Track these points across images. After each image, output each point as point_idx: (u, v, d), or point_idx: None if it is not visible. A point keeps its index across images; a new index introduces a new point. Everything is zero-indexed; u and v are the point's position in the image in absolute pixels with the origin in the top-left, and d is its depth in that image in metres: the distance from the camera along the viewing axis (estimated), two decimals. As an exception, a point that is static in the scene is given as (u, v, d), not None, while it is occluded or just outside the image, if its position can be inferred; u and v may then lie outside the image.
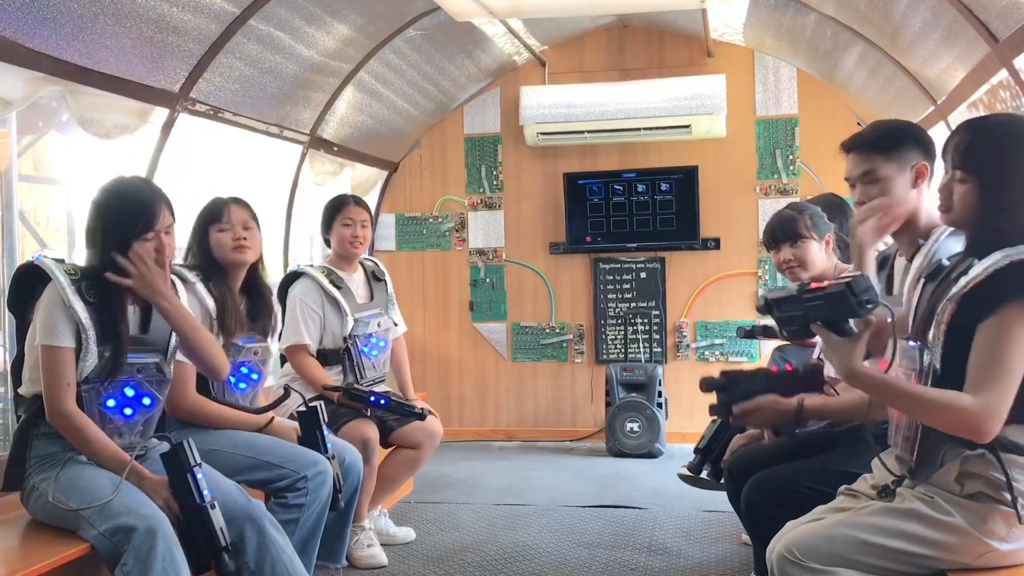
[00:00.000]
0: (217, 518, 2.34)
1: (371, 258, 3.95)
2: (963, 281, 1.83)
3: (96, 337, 2.32)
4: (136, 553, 2.14)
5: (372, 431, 3.44)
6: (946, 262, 1.98)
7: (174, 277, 2.64)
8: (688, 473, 3.17)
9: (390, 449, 3.72)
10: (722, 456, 3.07)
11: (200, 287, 2.87)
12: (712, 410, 2.59)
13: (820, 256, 3.04)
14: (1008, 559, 1.85)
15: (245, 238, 2.93)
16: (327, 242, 3.77)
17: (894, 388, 1.87)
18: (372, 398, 3.40)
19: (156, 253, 2.39)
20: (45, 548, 2.19)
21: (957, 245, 2.04)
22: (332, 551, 3.04)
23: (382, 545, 3.60)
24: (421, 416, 3.51)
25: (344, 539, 3.06)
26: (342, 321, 3.56)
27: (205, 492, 2.34)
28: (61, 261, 2.39)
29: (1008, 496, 1.80)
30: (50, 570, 2.13)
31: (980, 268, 1.81)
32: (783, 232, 3.07)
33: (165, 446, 2.56)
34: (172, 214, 2.47)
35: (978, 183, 1.87)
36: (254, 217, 3.02)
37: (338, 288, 3.58)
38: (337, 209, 3.70)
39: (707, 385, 2.59)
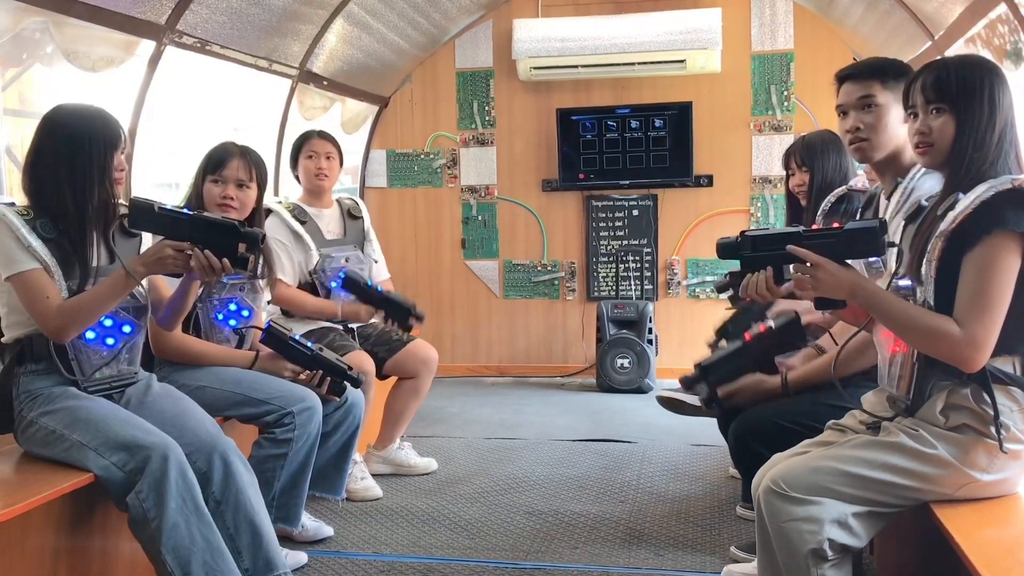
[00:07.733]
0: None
1: (352, 197, 3.95)
2: (951, 216, 1.83)
3: (61, 273, 2.30)
4: (151, 480, 2.18)
5: (369, 364, 3.48)
6: (924, 203, 2.00)
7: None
8: (667, 395, 3.15)
9: (389, 382, 3.79)
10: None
11: None
12: (704, 404, 2.68)
13: None
14: (988, 490, 1.89)
15: (233, 198, 2.85)
16: (297, 179, 3.79)
17: (892, 306, 1.88)
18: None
19: (119, 172, 2.36)
20: (40, 482, 2.18)
21: (932, 183, 2.07)
22: (334, 484, 3.11)
23: (403, 476, 3.79)
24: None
25: (344, 473, 3.14)
26: (306, 255, 3.58)
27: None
28: (12, 204, 2.35)
29: (992, 429, 1.83)
30: (47, 502, 2.14)
31: (967, 201, 1.82)
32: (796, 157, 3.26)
33: (153, 378, 2.60)
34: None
35: (953, 115, 1.88)
36: (256, 173, 2.89)
37: (303, 223, 3.59)
38: (301, 143, 3.72)
39: (687, 383, 2.68)
